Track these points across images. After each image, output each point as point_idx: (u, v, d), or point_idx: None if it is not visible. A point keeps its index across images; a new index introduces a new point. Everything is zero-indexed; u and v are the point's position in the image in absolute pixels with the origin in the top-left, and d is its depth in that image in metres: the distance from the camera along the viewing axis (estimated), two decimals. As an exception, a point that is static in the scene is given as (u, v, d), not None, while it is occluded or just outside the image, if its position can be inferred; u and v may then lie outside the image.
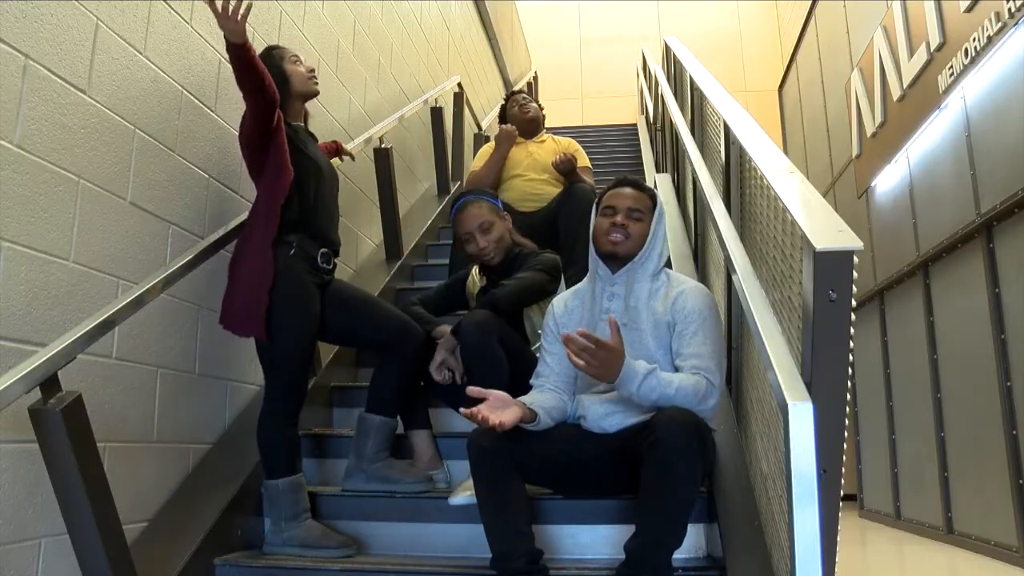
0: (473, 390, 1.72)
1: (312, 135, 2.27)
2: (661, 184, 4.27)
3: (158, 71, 2.00)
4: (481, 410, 1.67)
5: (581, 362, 1.65)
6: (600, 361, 1.64)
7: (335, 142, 2.66)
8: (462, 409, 1.69)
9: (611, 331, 1.67)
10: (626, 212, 1.92)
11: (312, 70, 2.20)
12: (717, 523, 1.83)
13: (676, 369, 1.80)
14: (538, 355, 2.19)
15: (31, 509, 1.53)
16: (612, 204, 1.95)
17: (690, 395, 1.70)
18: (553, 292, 2.30)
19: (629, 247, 1.91)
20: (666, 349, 1.84)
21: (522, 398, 1.84)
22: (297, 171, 2.06)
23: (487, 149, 3.43)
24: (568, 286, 2.65)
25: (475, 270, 2.50)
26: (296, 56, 2.19)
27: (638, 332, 1.85)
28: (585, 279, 2.04)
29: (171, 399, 2.00)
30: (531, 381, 1.97)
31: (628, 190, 1.97)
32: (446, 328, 2.22)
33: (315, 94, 2.23)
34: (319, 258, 2.11)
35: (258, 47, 2.12)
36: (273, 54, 2.16)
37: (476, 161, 3.40)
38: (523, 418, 1.74)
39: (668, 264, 2.03)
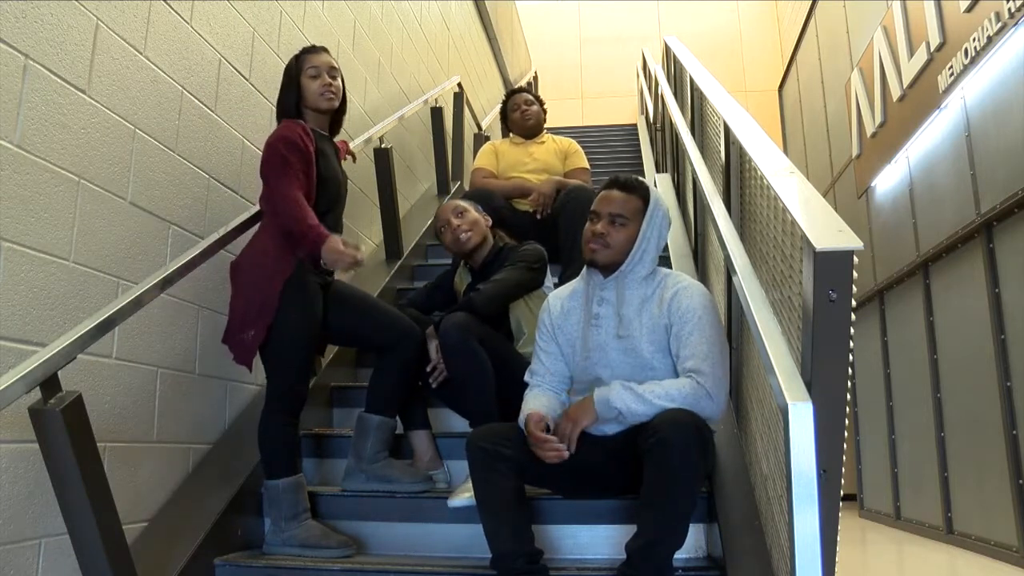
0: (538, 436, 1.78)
1: (332, 141, 2.27)
2: (661, 184, 4.27)
3: (158, 71, 2.00)
4: (564, 450, 1.74)
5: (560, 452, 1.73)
6: (572, 423, 1.75)
7: (344, 142, 2.65)
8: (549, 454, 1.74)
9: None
10: (608, 219, 1.85)
11: (328, 84, 2.14)
12: (717, 523, 1.83)
13: (677, 373, 1.79)
14: (525, 351, 2.21)
15: (31, 509, 1.53)
16: (597, 209, 1.88)
17: (677, 399, 1.69)
18: (539, 285, 2.30)
19: (607, 257, 1.85)
20: (664, 353, 1.81)
21: (527, 403, 1.86)
22: (316, 182, 2.08)
23: (490, 148, 3.42)
24: (562, 283, 2.66)
25: (463, 265, 2.51)
26: (316, 68, 2.14)
27: (631, 340, 1.82)
28: (579, 279, 1.99)
29: (171, 399, 2.00)
30: (526, 378, 1.97)
31: (615, 193, 1.88)
32: None
33: (324, 111, 2.18)
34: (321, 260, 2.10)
35: (258, 47, 2.12)
36: (295, 65, 2.16)
37: (480, 158, 3.39)
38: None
39: (669, 264, 2.01)
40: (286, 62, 2.22)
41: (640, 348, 1.81)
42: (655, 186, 2.11)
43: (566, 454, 1.71)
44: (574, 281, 2.02)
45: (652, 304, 1.84)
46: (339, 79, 2.20)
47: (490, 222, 2.49)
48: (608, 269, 1.88)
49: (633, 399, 1.70)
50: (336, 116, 2.26)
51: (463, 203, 2.48)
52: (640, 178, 1.95)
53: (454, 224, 2.40)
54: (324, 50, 2.21)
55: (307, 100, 2.15)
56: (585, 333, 1.88)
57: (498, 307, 2.25)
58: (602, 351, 1.85)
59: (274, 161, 2.00)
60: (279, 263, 1.98)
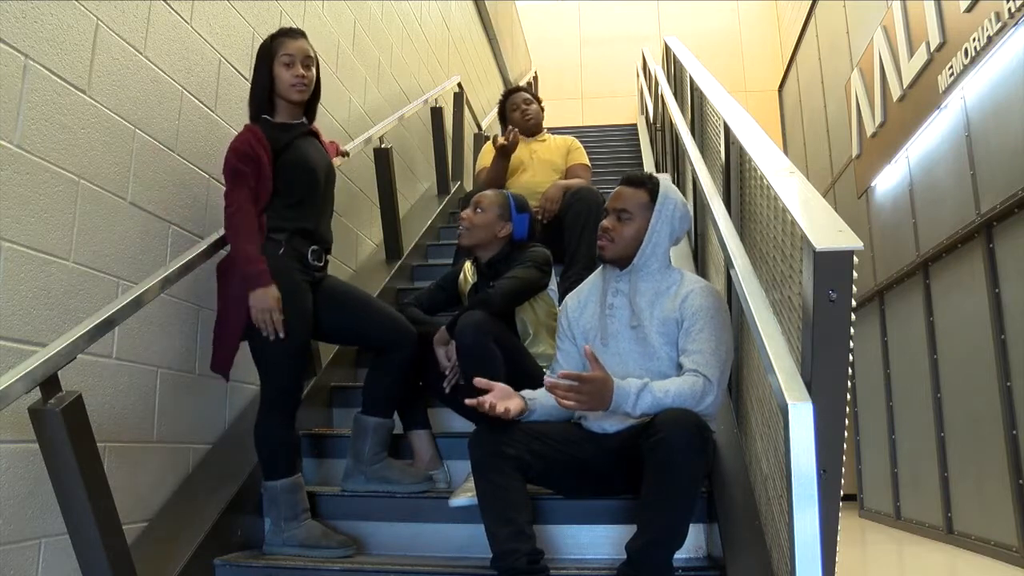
0: (480, 381, 1.75)
1: (313, 132, 2.21)
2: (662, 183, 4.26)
3: (158, 71, 2.00)
4: (489, 399, 1.71)
5: (571, 403, 1.64)
6: (588, 395, 1.64)
7: (333, 142, 2.65)
8: (467, 400, 1.73)
9: (590, 362, 1.67)
10: (615, 215, 1.93)
11: (301, 76, 2.06)
12: (717, 523, 1.83)
13: (679, 366, 1.81)
14: (532, 350, 2.20)
15: (31, 509, 1.53)
16: (607, 206, 1.97)
17: (687, 398, 1.70)
18: (544, 287, 2.30)
19: (614, 252, 1.92)
20: (672, 345, 1.84)
21: (526, 392, 1.86)
22: (283, 171, 2.04)
23: (491, 147, 3.43)
24: (566, 285, 2.65)
25: (467, 266, 2.50)
26: (291, 56, 2.06)
27: (642, 330, 1.86)
28: (596, 272, 2.05)
29: (171, 399, 2.00)
30: (545, 378, 1.98)
31: (622, 189, 1.96)
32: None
33: (293, 102, 2.10)
34: (309, 255, 2.08)
35: (258, 47, 2.12)
36: (269, 48, 2.08)
37: (483, 158, 3.40)
38: (521, 410, 1.79)
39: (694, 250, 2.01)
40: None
41: (650, 338, 1.85)
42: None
43: (503, 408, 1.71)
44: (591, 277, 2.07)
45: (666, 299, 1.88)
46: (313, 69, 2.12)
47: (507, 230, 2.33)
48: (622, 263, 1.93)
49: (653, 401, 1.69)
50: (310, 102, 2.18)
51: (489, 204, 2.33)
52: (652, 173, 1.98)
53: (462, 215, 2.36)
54: (301, 34, 2.11)
55: (278, 89, 2.08)
56: (602, 323, 1.92)
57: (512, 304, 2.22)
58: (616, 339, 1.89)
59: (227, 170, 2.00)
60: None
